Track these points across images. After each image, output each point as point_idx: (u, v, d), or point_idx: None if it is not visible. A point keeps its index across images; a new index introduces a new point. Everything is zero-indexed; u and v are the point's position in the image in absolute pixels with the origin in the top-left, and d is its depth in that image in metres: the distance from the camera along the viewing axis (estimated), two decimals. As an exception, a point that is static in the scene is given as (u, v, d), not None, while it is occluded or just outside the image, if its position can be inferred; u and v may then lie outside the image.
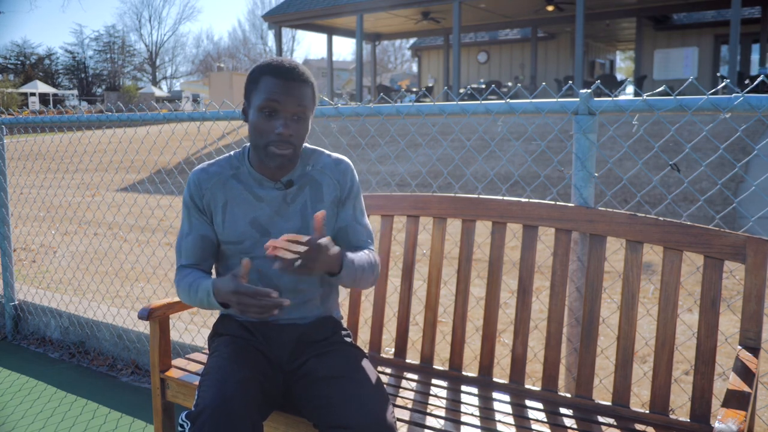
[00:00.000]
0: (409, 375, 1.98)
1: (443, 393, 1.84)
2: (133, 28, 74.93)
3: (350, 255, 1.58)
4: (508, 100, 2.04)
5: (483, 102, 2.06)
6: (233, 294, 1.38)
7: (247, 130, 13.55)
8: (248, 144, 1.69)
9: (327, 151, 1.73)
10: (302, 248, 1.38)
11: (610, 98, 1.85)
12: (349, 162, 1.73)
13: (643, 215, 1.73)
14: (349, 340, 1.73)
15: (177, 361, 2.02)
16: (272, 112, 1.53)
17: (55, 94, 40.79)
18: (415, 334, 3.50)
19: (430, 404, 1.76)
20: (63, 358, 3.43)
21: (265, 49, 56.33)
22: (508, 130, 10.40)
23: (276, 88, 1.52)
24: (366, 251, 1.67)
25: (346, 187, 1.70)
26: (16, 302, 3.86)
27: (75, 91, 46.63)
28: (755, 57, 18.35)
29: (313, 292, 1.69)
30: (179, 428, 1.50)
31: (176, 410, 2.68)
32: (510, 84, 18.51)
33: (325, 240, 1.43)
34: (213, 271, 1.83)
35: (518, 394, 1.85)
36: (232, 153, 1.71)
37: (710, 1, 15.28)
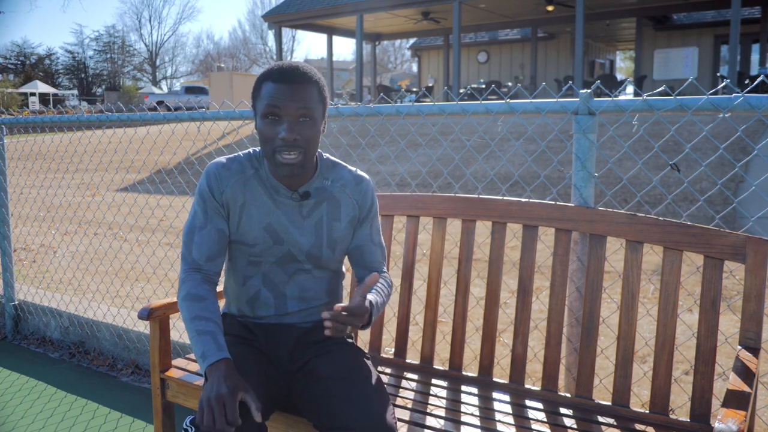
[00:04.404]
0: (409, 375, 1.98)
1: (443, 393, 1.84)
2: (133, 28, 74.99)
3: (375, 300, 1.57)
4: (508, 100, 2.04)
5: (483, 102, 2.06)
6: (216, 398, 1.32)
7: (247, 130, 13.58)
8: None
9: (349, 166, 1.69)
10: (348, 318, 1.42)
11: (610, 98, 1.85)
12: (369, 181, 1.70)
13: (643, 215, 1.73)
14: (350, 340, 1.73)
15: (177, 361, 2.02)
16: (276, 118, 1.49)
17: (55, 94, 40.79)
18: (415, 334, 3.50)
19: (430, 404, 1.76)
20: (63, 358, 3.43)
21: (265, 49, 56.34)
22: (508, 130, 10.40)
23: (275, 92, 1.47)
24: (381, 282, 1.67)
25: (366, 208, 1.68)
26: (16, 302, 3.86)
27: (75, 91, 46.65)
28: (755, 57, 18.36)
29: (318, 300, 1.69)
30: (184, 432, 1.49)
31: (176, 410, 2.68)
32: (510, 84, 18.52)
33: (361, 306, 1.43)
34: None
35: (518, 394, 1.85)
36: (250, 150, 1.65)
37: (710, 1, 15.28)
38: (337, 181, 1.66)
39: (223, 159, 1.62)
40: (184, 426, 1.40)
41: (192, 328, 1.48)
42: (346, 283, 4.44)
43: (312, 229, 1.62)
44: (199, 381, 1.86)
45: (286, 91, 1.47)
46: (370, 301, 1.52)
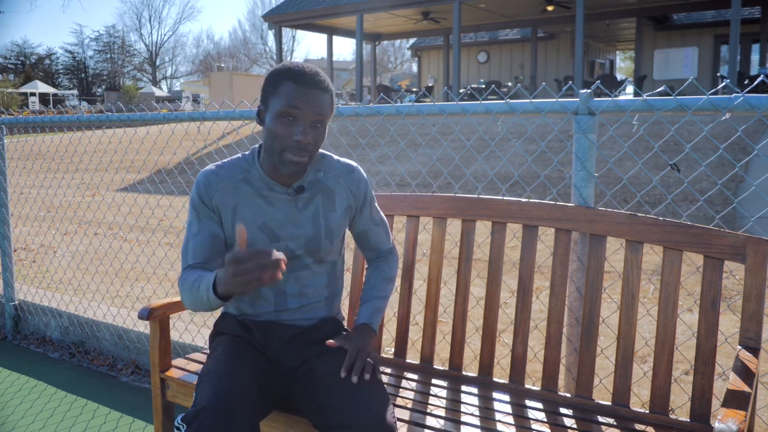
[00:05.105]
0: (409, 375, 1.98)
1: (443, 393, 1.84)
2: (133, 28, 75.00)
3: (373, 307, 1.72)
4: (508, 100, 2.04)
5: (483, 102, 2.06)
6: (231, 263, 1.24)
7: (247, 130, 13.57)
8: (256, 146, 1.68)
9: (335, 156, 1.74)
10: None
11: (610, 98, 1.85)
12: (359, 168, 1.74)
13: (643, 215, 1.73)
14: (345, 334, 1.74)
15: (177, 361, 2.02)
16: (292, 119, 1.51)
17: (55, 94, 40.78)
18: (415, 334, 3.50)
19: (430, 404, 1.76)
20: (63, 358, 3.43)
21: (265, 49, 56.35)
22: (508, 130, 10.40)
23: (297, 95, 1.50)
24: (382, 278, 1.79)
25: (361, 196, 1.73)
26: (16, 302, 3.86)
27: (75, 91, 46.64)
28: (755, 57, 18.35)
29: (318, 296, 1.70)
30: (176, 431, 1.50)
31: (176, 410, 2.68)
32: (510, 84, 18.51)
33: (357, 345, 1.59)
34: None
35: (518, 394, 1.85)
36: (240, 155, 1.69)
37: (710, 1, 15.28)
38: (330, 172, 1.70)
39: (212, 166, 1.66)
40: (176, 424, 1.41)
41: (194, 291, 1.46)
42: (346, 283, 4.44)
43: (309, 220, 1.65)
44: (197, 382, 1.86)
45: (308, 95, 1.51)
46: (366, 324, 1.68)
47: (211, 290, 1.38)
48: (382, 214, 1.85)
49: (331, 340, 1.62)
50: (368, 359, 1.54)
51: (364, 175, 1.75)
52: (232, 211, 1.62)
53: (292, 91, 1.51)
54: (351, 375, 1.51)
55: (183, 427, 1.37)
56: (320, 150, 1.72)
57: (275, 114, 1.52)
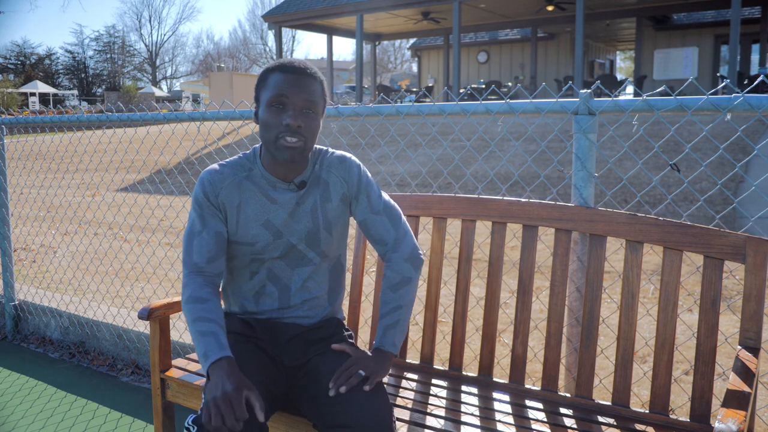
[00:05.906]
0: (409, 375, 1.98)
1: (443, 393, 1.84)
2: (133, 28, 74.93)
3: (383, 326, 1.64)
4: (508, 100, 2.05)
5: (483, 102, 2.06)
6: (222, 397, 1.34)
7: (247, 130, 13.57)
8: (257, 146, 1.70)
9: (331, 149, 1.74)
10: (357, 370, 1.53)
11: (610, 98, 1.85)
12: (352, 158, 1.72)
13: (643, 215, 1.73)
14: (351, 340, 1.74)
15: (177, 361, 2.02)
16: (282, 106, 1.53)
17: (55, 94, 40.78)
18: (415, 334, 3.50)
19: (430, 404, 1.76)
20: (63, 358, 3.43)
21: (265, 49, 56.35)
22: (508, 130, 10.40)
23: (284, 83, 1.53)
24: (388, 287, 1.68)
25: (354, 183, 1.70)
26: (16, 302, 3.86)
27: (75, 91, 46.62)
28: (755, 57, 18.36)
29: (320, 290, 1.71)
30: (185, 432, 1.50)
31: (176, 410, 2.68)
32: (510, 84, 18.51)
33: (357, 355, 1.58)
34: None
35: (518, 394, 1.85)
36: (242, 154, 1.70)
37: (710, 1, 15.28)
38: (324, 164, 1.70)
39: (215, 165, 1.67)
40: (186, 425, 1.41)
41: (194, 329, 1.50)
42: (347, 283, 4.44)
43: (308, 214, 1.65)
44: (200, 381, 1.86)
45: (294, 82, 1.53)
46: (378, 348, 1.61)
47: (206, 361, 1.44)
48: (386, 201, 1.74)
49: (336, 345, 1.62)
50: (360, 371, 1.50)
51: (357, 161, 1.72)
52: (237, 208, 1.63)
53: (280, 80, 1.53)
54: (337, 386, 1.47)
55: (193, 428, 1.38)
56: (319, 146, 1.74)
57: (266, 104, 1.54)
